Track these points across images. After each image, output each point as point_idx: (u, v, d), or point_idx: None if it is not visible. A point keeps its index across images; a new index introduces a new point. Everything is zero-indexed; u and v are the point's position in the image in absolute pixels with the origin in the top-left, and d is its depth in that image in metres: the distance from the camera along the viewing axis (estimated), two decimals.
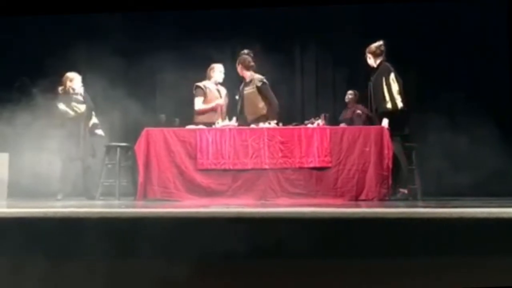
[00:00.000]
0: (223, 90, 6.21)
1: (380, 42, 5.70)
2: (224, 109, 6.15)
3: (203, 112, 6.01)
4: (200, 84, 6.06)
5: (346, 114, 6.91)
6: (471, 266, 3.24)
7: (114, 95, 6.39)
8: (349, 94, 6.95)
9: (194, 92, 6.06)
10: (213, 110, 6.02)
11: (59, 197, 5.89)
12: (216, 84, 6.15)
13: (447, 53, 6.89)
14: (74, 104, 6.06)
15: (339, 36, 6.76)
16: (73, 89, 6.13)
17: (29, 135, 5.80)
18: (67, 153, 5.96)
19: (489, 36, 6.84)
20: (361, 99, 6.77)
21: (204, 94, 6.03)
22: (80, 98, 6.12)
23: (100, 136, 6.24)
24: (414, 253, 3.30)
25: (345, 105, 7.07)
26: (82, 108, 6.09)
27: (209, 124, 5.78)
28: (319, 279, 3.30)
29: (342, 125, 6.16)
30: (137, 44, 6.86)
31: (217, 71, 6.14)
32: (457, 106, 6.24)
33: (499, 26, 6.90)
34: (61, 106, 6.05)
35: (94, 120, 6.21)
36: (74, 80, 6.15)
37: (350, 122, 6.63)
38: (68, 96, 6.10)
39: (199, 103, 6.02)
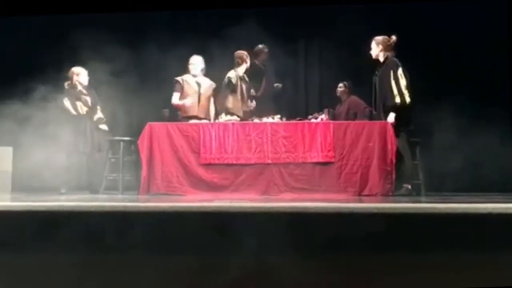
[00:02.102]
0: (206, 82, 6.14)
1: (394, 37, 5.66)
2: (204, 100, 6.10)
3: (179, 108, 6.03)
4: (179, 78, 6.07)
5: (340, 108, 6.71)
6: (474, 263, 3.23)
7: (118, 90, 6.39)
8: (339, 87, 6.75)
9: (174, 85, 6.08)
10: (188, 105, 6.01)
11: (62, 191, 5.91)
12: (196, 76, 6.11)
13: (450, 50, 6.86)
14: (78, 102, 6.07)
15: (343, 31, 6.73)
16: (80, 83, 6.14)
17: (33, 130, 5.81)
18: (73, 147, 5.97)
19: (491, 33, 6.80)
20: (352, 90, 6.72)
21: (181, 88, 6.03)
22: (86, 93, 6.12)
23: (104, 131, 6.24)
24: (415, 250, 3.29)
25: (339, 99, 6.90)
26: (86, 105, 6.09)
27: (189, 118, 5.87)
28: (318, 275, 3.31)
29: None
30: (142, 41, 6.84)
31: (192, 63, 6.10)
32: (460, 102, 6.21)
33: (501, 24, 6.86)
34: (66, 102, 6.06)
35: (99, 114, 6.21)
36: (81, 75, 6.17)
37: (346, 116, 6.45)
38: (74, 91, 6.10)
39: (175, 98, 6.03)
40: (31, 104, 5.97)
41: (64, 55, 6.52)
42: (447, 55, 6.84)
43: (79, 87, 6.13)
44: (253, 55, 6.63)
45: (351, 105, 6.56)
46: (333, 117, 5.99)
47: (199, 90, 6.09)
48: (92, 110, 6.13)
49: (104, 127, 6.24)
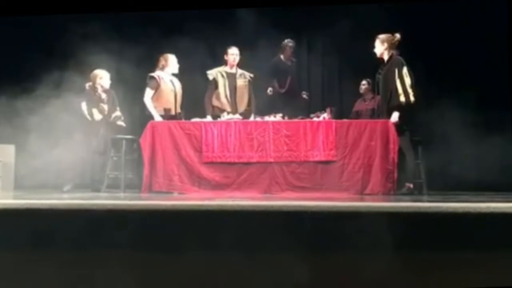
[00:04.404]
0: (177, 82, 6.14)
1: (398, 35, 5.64)
2: (180, 98, 6.10)
3: (154, 106, 5.99)
4: (154, 74, 6.04)
5: (364, 104, 6.60)
6: (475, 262, 3.22)
7: (120, 88, 6.40)
8: (363, 84, 6.66)
9: (147, 82, 6.03)
10: (166, 106, 5.98)
11: (65, 189, 5.93)
12: (173, 74, 6.12)
13: (453, 50, 6.84)
14: (95, 110, 6.08)
15: (346, 30, 6.72)
16: (102, 87, 6.14)
17: (37, 128, 5.83)
18: (78, 146, 5.97)
19: (492, 32, 6.79)
20: (355, 91, 6.67)
21: (158, 86, 6.01)
22: (105, 98, 6.12)
23: (120, 126, 6.22)
24: (417, 249, 3.29)
25: (356, 96, 6.78)
26: (102, 113, 6.10)
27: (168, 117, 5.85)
28: (320, 274, 3.30)
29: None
30: (145, 39, 6.84)
31: (173, 61, 6.08)
32: (463, 101, 6.20)
33: (501, 23, 6.85)
34: (83, 107, 6.07)
35: (117, 113, 6.21)
36: (104, 78, 6.16)
37: (372, 113, 6.33)
38: (94, 94, 6.10)
39: (149, 95, 5.99)
40: (33, 102, 5.98)
41: (67, 53, 6.52)
42: (449, 54, 6.82)
43: (99, 91, 6.12)
44: (279, 50, 6.66)
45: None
46: (335, 114, 5.93)
47: (174, 88, 6.08)
48: (108, 116, 6.13)
49: (121, 123, 6.22)
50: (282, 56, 6.75)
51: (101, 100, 6.14)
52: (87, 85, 6.17)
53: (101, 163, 6.09)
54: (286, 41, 6.74)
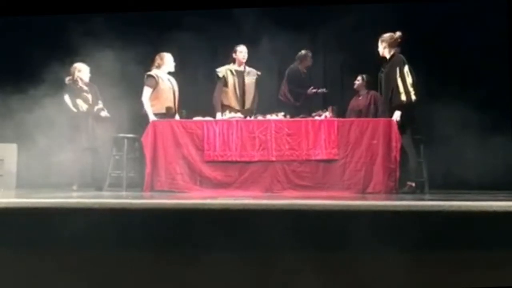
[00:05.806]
0: (174, 80, 6.13)
1: (398, 33, 5.63)
2: (177, 98, 6.10)
3: (153, 105, 5.95)
4: (152, 73, 6.01)
5: (358, 101, 6.52)
6: (478, 262, 3.22)
7: (122, 87, 6.39)
8: (357, 80, 6.55)
9: (145, 81, 5.99)
10: (166, 104, 5.95)
11: (74, 187, 5.96)
12: (168, 73, 6.11)
13: (454, 48, 6.84)
14: (79, 100, 6.08)
15: (348, 29, 6.72)
16: (81, 79, 6.16)
17: (37, 127, 5.84)
18: (77, 144, 5.99)
19: (492, 32, 6.79)
20: (370, 84, 6.61)
21: (156, 85, 5.97)
22: (86, 90, 6.13)
23: (105, 122, 6.21)
24: (419, 248, 3.29)
25: (354, 92, 6.66)
26: (87, 103, 6.10)
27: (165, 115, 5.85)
28: (322, 273, 3.30)
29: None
30: (150, 36, 6.85)
31: (169, 60, 6.07)
32: (465, 99, 6.19)
33: (501, 23, 6.84)
34: (66, 99, 6.08)
35: (100, 105, 6.19)
36: (82, 71, 6.18)
37: (367, 111, 6.30)
38: (75, 87, 6.12)
39: (147, 94, 5.93)
40: (34, 102, 5.99)
41: (67, 52, 6.52)
42: (450, 53, 6.82)
43: (80, 83, 6.14)
44: (297, 60, 6.64)
45: (373, 100, 6.36)
46: (337, 113, 5.92)
47: (173, 87, 6.07)
48: (92, 106, 6.14)
49: (105, 113, 6.20)
50: (299, 66, 6.72)
51: (83, 91, 6.14)
52: (67, 78, 6.18)
53: (100, 161, 6.10)
54: (304, 52, 6.66)
